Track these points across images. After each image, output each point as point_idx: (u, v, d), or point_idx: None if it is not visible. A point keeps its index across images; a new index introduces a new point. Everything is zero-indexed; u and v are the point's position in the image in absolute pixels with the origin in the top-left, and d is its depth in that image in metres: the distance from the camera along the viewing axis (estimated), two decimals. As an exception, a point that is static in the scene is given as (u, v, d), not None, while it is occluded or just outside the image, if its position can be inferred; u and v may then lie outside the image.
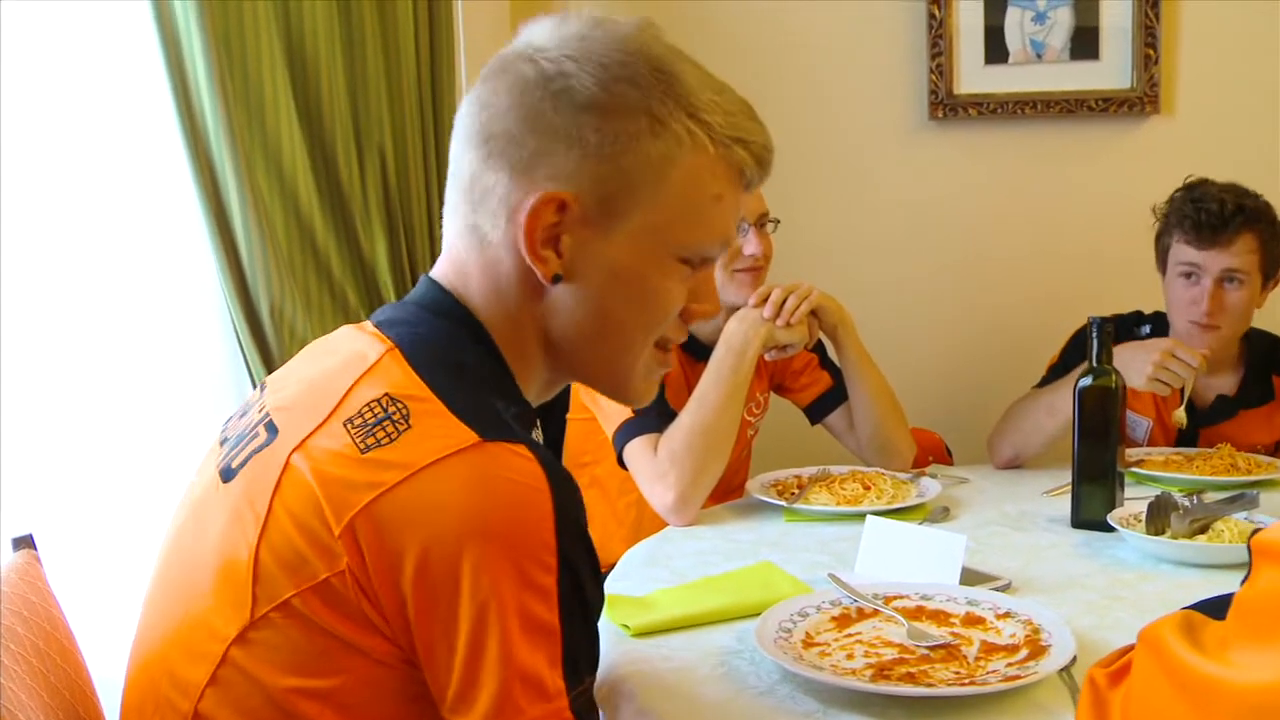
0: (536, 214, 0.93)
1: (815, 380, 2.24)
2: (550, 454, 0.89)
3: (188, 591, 0.94)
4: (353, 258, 2.26)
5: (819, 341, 2.25)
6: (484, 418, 0.87)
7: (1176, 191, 2.20)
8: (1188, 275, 2.14)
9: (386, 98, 2.28)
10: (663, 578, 1.55)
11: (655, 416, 1.93)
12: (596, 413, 2.02)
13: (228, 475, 0.96)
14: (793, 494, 1.92)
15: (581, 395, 2.07)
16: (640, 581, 1.53)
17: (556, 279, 0.96)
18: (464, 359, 0.96)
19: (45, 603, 1.12)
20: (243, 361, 2.05)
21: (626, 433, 1.93)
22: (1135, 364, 1.96)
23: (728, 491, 2.12)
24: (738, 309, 2.02)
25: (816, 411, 2.23)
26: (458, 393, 0.90)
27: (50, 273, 1.79)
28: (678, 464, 1.83)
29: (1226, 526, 1.57)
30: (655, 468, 1.86)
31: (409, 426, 0.87)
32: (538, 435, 1.02)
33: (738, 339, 1.94)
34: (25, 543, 1.21)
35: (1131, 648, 0.91)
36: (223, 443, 1.02)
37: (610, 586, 1.52)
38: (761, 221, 2.05)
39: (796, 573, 1.50)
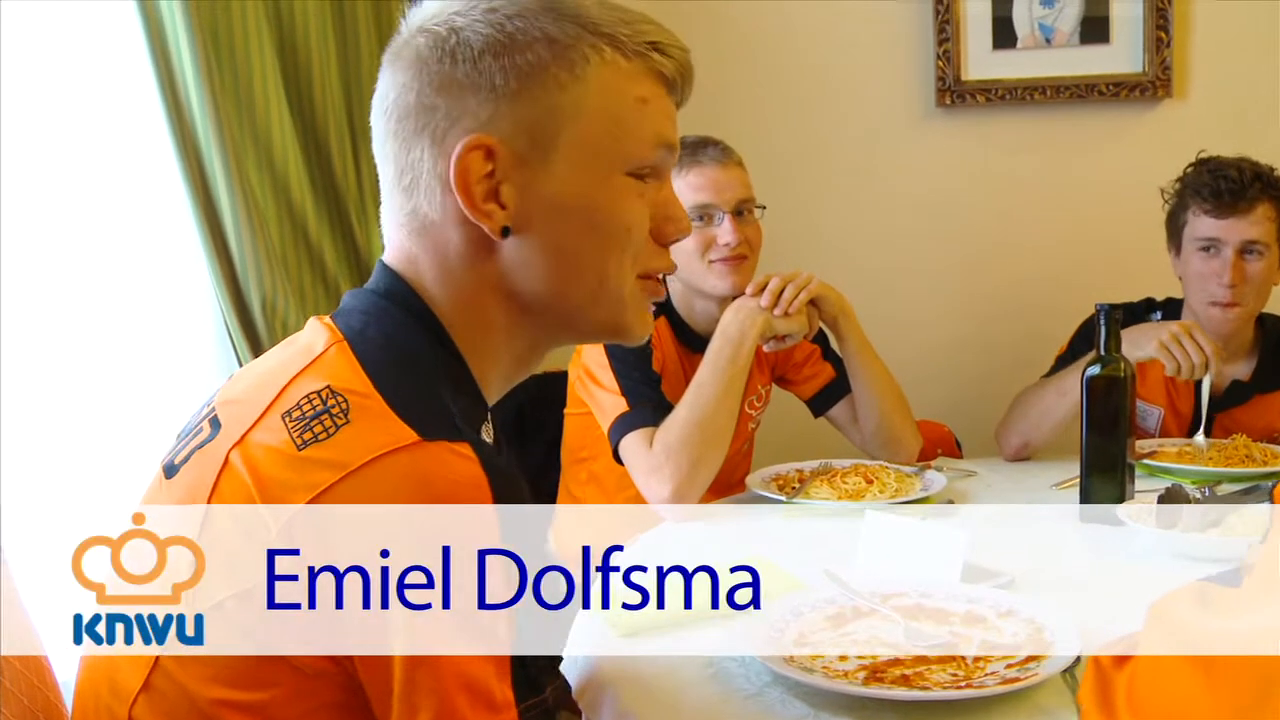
0: (464, 167, 0.91)
1: (818, 372, 2.19)
2: (494, 452, 0.85)
3: None
4: (347, 250, 2.23)
5: (821, 332, 2.21)
6: (426, 415, 0.84)
7: (1188, 168, 2.15)
8: (1206, 249, 2.09)
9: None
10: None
11: (651, 410, 1.89)
12: (592, 407, 1.98)
13: (170, 471, 0.93)
14: (794, 488, 1.88)
15: (577, 389, 2.04)
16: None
17: (506, 231, 0.93)
18: (413, 351, 0.92)
19: (8, 606, 1.08)
20: (234, 356, 2.02)
21: (622, 427, 1.89)
22: (1148, 334, 1.93)
23: (728, 486, 2.08)
24: (725, 300, 1.98)
25: (820, 404, 2.19)
26: (401, 388, 0.86)
27: (36, 267, 1.76)
28: (673, 458, 1.80)
29: (1241, 520, 1.52)
30: (650, 461, 1.82)
31: (348, 421, 0.83)
32: (488, 432, 0.97)
33: (734, 329, 1.90)
34: (-10, 542, 1.17)
35: (1138, 633, 0.87)
36: (177, 436, 0.99)
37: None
38: (739, 209, 1.99)
39: (793, 569, 1.45)
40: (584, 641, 1.28)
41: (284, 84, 2.08)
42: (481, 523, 0.80)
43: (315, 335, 0.94)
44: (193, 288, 1.99)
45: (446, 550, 0.79)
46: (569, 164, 0.92)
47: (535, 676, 0.84)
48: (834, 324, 2.05)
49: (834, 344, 2.14)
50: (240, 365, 1.99)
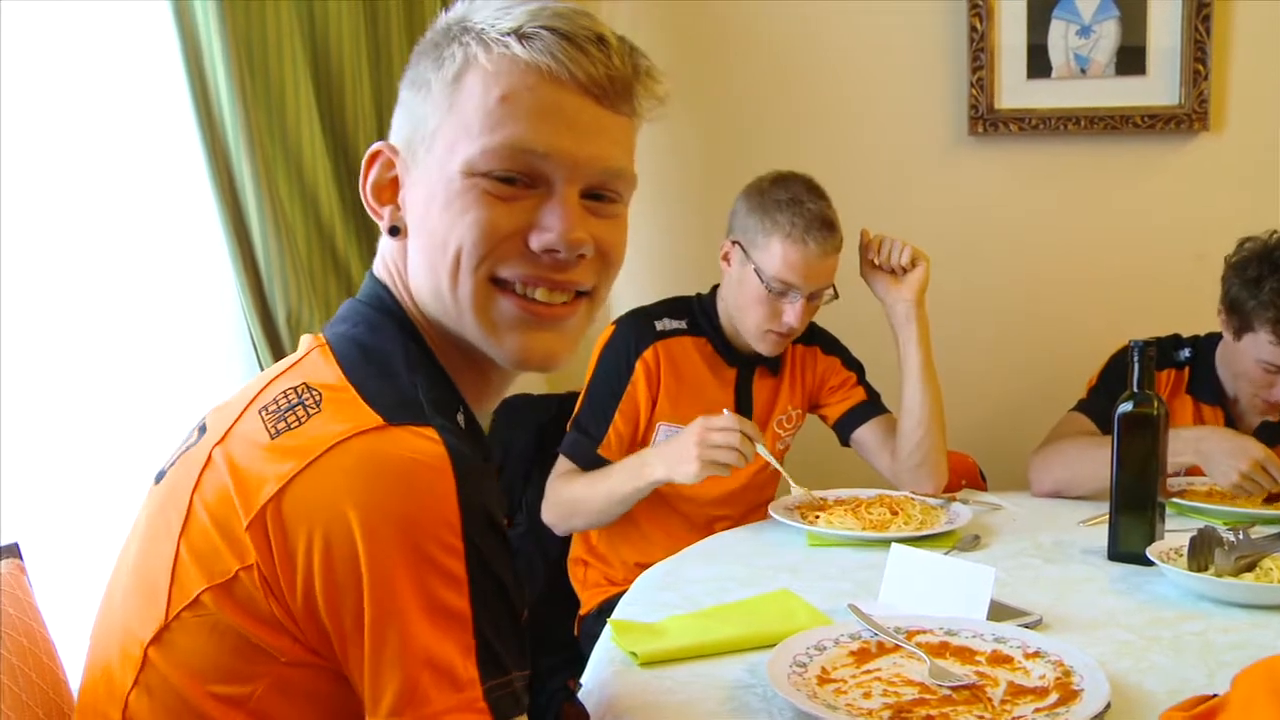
0: (366, 171, 0.98)
1: (849, 395, 2.19)
2: (463, 438, 0.85)
3: (121, 596, 0.93)
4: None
5: (858, 362, 2.21)
6: (394, 402, 0.85)
7: (1264, 258, 2.03)
8: (1269, 369, 2.04)
9: (412, 102, 2.23)
10: (675, 603, 1.48)
11: (578, 438, 2.04)
12: None
13: (159, 477, 0.97)
14: (816, 516, 1.86)
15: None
16: (651, 607, 1.47)
17: (394, 231, 0.97)
18: (386, 346, 0.94)
19: (25, 616, 1.08)
20: (258, 367, 2.01)
21: (565, 441, 2.07)
22: (1223, 462, 1.89)
23: (751, 511, 2.07)
24: (766, 336, 2.02)
25: (847, 425, 2.18)
26: (373, 379, 0.89)
27: (60, 277, 1.75)
28: (554, 509, 2.03)
29: (1275, 564, 1.49)
30: (550, 486, 2.03)
31: (319, 411, 0.85)
32: (462, 420, 0.94)
33: (640, 464, 1.92)
34: (10, 552, 1.17)
35: (1209, 696, 0.85)
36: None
37: (620, 612, 1.47)
38: (814, 294, 2.00)
39: (816, 602, 1.43)
40: (605, 670, 1.26)
41: (315, 96, 2.09)
42: (442, 500, 0.80)
43: (302, 345, 0.97)
44: (219, 297, 1.98)
45: (406, 528, 0.79)
46: (426, 166, 0.94)
47: (501, 658, 0.82)
48: (907, 320, 2.07)
49: (870, 369, 2.14)
50: (263, 377, 1.99)
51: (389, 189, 0.97)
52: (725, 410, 1.86)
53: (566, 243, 0.92)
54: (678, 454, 1.82)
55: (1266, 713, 0.76)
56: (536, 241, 0.92)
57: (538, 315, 0.94)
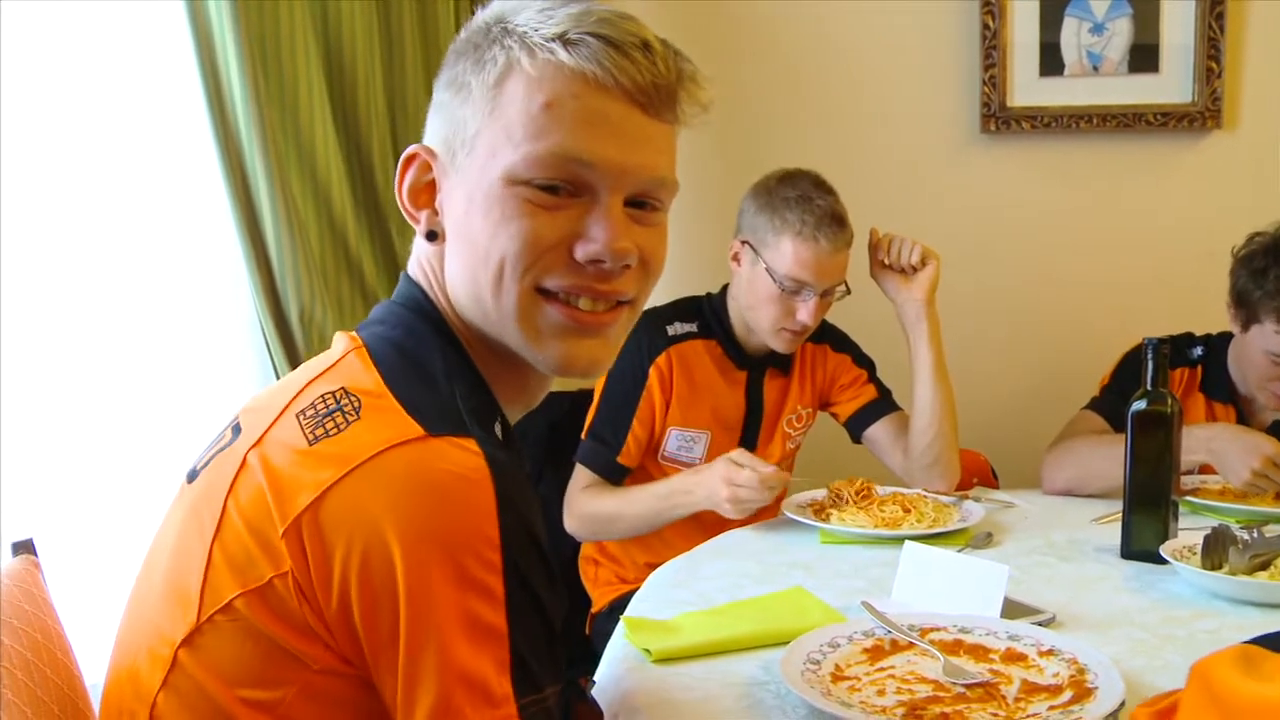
0: (402, 173, 0.96)
1: (860, 394, 2.19)
2: (504, 449, 0.84)
3: (150, 596, 0.93)
4: (387, 261, 2.23)
5: (868, 359, 2.20)
6: (434, 412, 0.84)
7: (1270, 250, 2.03)
8: (1274, 360, 2.04)
9: (426, 99, 2.23)
10: (688, 600, 1.48)
11: (596, 447, 2.04)
12: None
13: (191, 476, 0.96)
14: (828, 514, 1.86)
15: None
16: (664, 604, 1.47)
17: (431, 236, 0.96)
18: (425, 352, 0.93)
19: (40, 611, 1.08)
20: (271, 367, 2.02)
21: (582, 450, 2.07)
22: (1235, 461, 1.89)
23: (763, 510, 2.06)
24: (781, 334, 2.01)
25: (859, 423, 2.18)
26: (412, 387, 0.88)
27: (73, 274, 1.76)
28: (580, 522, 2.04)
29: (1289, 563, 1.48)
30: (571, 500, 2.04)
31: (358, 419, 0.84)
32: (499, 431, 0.94)
33: (682, 491, 1.92)
34: (25, 548, 1.18)
35: (1181, 690, 0.86)
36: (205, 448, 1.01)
37: (633, 609, 1.47)
38: (827, 291, 2.00)
39: (829, 599, 1.44)
40: (618, 667, 1.26)
41: (329, 94, 2.09)
42: (481, 516, 0.79)
43: (337, 345, 0.96)
44: (232, 294, 1.99)
45: (445, 543, 0.78)
46: (466, 171, 0.92)
47: (536, 674, 0.81)
48: (918, 319, 2.07)
49: (881, 364, 2.15)
50: (276, 374, 1.99)
51: (425, 192, 0.96)
52: (743, 454, 1.85)
53: (612, 253, 0.91)
54: (712, 496, 1.85)
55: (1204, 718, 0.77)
56: (581, 252, 0.91)
57: (581, 323, 0.93)
